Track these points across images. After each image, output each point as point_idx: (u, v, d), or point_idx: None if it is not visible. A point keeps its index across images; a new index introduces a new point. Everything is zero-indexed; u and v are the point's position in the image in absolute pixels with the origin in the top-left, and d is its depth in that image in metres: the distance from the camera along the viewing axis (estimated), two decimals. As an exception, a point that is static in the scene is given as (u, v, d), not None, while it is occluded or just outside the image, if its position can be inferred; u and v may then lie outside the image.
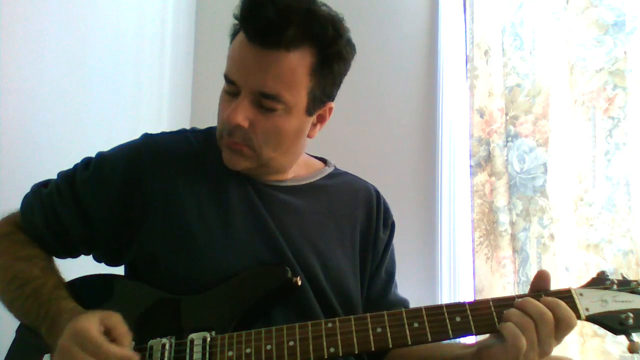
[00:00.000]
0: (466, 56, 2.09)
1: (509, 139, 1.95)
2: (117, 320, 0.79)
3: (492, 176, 1.97)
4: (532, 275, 1.81)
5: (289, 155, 1.01)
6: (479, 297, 1.89)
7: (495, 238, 1.92)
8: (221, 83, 0.97)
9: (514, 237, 1.89)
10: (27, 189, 1.02)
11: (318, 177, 1.09)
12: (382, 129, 2.17)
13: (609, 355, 1.63)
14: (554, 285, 0.83)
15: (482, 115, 2.01)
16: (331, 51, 0.92)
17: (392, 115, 2.18)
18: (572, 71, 1.85)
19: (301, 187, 1.05)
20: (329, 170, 1.12)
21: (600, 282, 0.82)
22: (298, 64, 0.90)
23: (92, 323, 0.76)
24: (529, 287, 0.85)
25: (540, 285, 0.83)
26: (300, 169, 1.09)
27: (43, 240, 0.97)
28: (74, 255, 1.02)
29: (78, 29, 1.52)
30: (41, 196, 0.99)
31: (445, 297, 1.97)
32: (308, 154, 1.14)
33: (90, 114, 1.57)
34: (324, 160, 1.16)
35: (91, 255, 1.02)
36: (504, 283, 1.87)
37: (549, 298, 0.79)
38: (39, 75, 1.36)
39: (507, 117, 1.96)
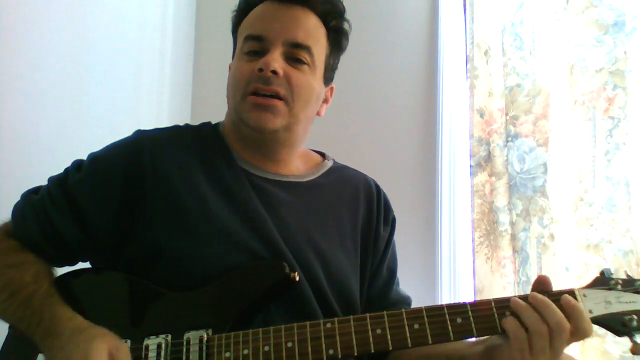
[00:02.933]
0: (466, 56, 2.09)
1: (509, 139, 1.94)
2: (125, 353, 0.78)
3: (492, 176, 1.96)
4: (532, 275, 1.81)
5: (305, 124, 1.02)
6: (479, 298, 1.89)
7: (495, 238, 1.92)
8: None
9: (514, 237, 1.89)
10: (28, 187, 0.99)
11: (318, 174, 1.08)
12: (382, 129, 2.16)
13: (609, 355, 1.63)
14: (554, 287, 0.81)
15: (482, 115, 2.01)
16: (340, 24, 1.03)
17: (392, 115, 2.18)
18: (572, 71, 1.85)
19: (302, 184, 1.04)
20: (328, 165, 1.11)
21: (604, 281, 0.79)
22: (319, 25, 1.00)
23: (101, 356, 0.75)
24: (529, 287, 0.84)
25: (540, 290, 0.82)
26: (300, 162, 1.08)
27: (38, 248, 0.94)
28: (71, 261, 0.99)
29: (78, 28, 1.52)
30: (32, 202, 0.95)
31: (445, 297, 1.96)
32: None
33: (90, 113, 1.57)
34: (322, 154, 1.15)
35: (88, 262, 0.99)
36: (504, 283, 1.86)
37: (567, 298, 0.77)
38: (39, 74, 1.36)
39: (507, 117, 1.95)
